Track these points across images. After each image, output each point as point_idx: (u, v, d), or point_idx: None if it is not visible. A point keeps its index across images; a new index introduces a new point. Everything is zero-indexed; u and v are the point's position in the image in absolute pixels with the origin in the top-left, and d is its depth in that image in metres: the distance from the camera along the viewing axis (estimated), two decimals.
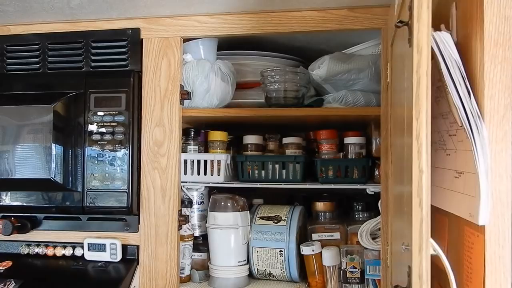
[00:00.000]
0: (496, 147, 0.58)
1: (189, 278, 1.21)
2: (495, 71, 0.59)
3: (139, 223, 1.10)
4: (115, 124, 1.08)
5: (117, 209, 1.08)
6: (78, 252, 1.11)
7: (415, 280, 0.47)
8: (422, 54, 0.48)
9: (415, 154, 0.48)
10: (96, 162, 1.08)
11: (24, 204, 1.12)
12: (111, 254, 1.08)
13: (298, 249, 1.17)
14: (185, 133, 1.25)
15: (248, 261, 1.19)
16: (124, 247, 1.10)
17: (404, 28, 0.63)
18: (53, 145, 1.08)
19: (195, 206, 1.26)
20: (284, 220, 1.20)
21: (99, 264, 1.08)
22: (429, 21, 0.49)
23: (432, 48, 0.58)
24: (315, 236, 1.20)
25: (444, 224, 0.74)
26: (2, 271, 1.07)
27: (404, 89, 0.71)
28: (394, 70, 0.85)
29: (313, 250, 1.15)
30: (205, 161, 1.21)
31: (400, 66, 0.73)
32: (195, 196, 1.26)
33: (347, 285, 1.12)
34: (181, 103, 1.12)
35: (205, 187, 1.26)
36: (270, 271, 1.19)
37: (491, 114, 0.59)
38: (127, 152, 1.08)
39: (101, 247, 1.09)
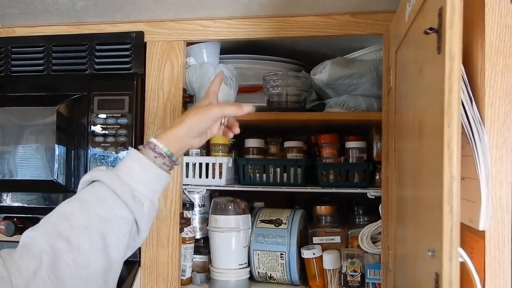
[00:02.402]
0: (496, 153, 0.59)
1: (190, 281, 1.22)
2: (496, 78, 0.60)
3: None
4: (118, 126, 1.09)
5: None
6: None
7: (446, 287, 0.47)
8: (455, 61, 0.48)
9: (446, 161, 0.48)
10: (98, 163, 1.09)
11: (26, 205, 1.12)
12: None
13: (299, 253, 1.18)
14: None
15: (249, 264, 1.20)
16: None
17: (419, 34, 0.62)
18: (56, 147, 1.09)
19: (197, 209, 1.27)
20: (285, 224, 1.20)
21: None
22: (461, 28, 0.49)
23: None
24: (315, 239, 1.20)
25: None
26: None
27: (413, 94, 0.71)
28: (400, 76, 0.85)
29: (313, 254, 1.16)
30: (207, 164, 1.22)
31: (411, 72, 0.73)
32: (196, 199, 1.26)
33: None
34: (184, 106, 1.12)
35: (207, 190, 1.27)
36: (270, 274, 1.19)
37: (491, 120, 0.59)
38: None
39: None
